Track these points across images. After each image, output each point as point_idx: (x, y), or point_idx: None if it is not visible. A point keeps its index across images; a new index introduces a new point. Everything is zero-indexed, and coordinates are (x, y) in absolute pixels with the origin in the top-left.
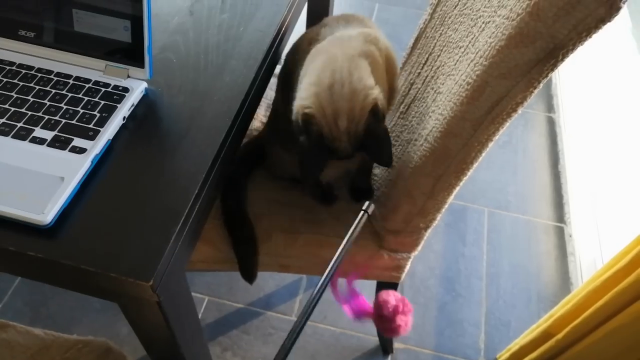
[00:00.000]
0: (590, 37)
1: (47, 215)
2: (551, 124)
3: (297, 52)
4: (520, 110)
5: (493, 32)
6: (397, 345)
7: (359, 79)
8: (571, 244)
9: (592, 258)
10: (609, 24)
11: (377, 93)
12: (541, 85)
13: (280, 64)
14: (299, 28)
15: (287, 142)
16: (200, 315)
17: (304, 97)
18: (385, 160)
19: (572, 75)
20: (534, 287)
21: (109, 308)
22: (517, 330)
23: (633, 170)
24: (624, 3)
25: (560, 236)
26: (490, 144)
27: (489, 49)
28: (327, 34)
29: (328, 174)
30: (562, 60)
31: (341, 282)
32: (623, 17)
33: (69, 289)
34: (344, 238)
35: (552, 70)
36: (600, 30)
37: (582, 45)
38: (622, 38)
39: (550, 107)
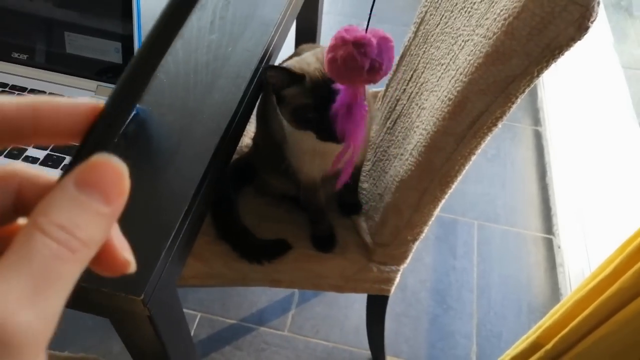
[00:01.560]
0: (562, 54)
1: None
2: (538, 137)
3: None
4: (500, 125)
5: (472, 50)
6: (389, 358)
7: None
8: (560, 255)
9: (581, 268)
10: (588, 39)
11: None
12: (519, 100)
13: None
14: (288, 47)
15: (271, 172)
16: (193, 332)
17: None
18: None
19: (558, 89)
20: (524, 298)
21: (101, 326)
22: (509, 342)
23: (619, 180)
24: (591, 23)
25: (549, 247)
26: (473, 158)
27: (469, 66)
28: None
29: (312, 172)
30: (538, 76)
31: None
32: (605, 32)
33: None
34: (332, 252)
35: (529, 85)
36: (571, 48)
37: (555, 62)
38: (604, 52)
39: (536, 120)
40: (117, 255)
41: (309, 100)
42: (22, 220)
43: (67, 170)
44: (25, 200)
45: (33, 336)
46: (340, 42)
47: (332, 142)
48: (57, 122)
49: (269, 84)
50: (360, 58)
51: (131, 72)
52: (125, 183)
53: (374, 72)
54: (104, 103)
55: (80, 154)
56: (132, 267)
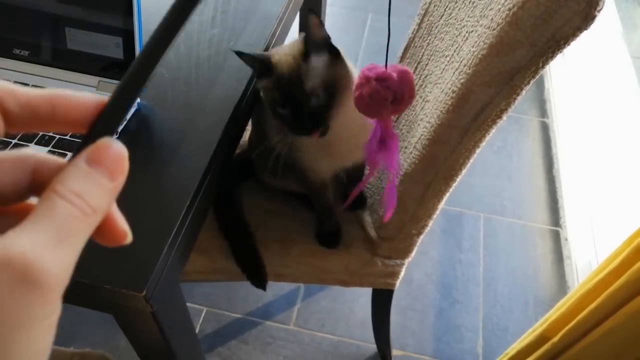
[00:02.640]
0: (568, 44)
1: None
2: (545, 129)
3: None
4: (505, 117)
5: (476, 42)
6: (395, 352)
7: None
8: (567, 248)
9: (588, 261)
10: (596, 28)
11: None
12: (524, 92)
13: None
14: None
15: (265, 171)
16: (198, 326)
17: None
18: None
19: (565, 80)
20: (531, 291)
21: (107, 320)
22: (515, 335)
23: (627, 172)
24: (598, 12)
25: (556, 240)
26: (478, 151)
27: (472, 57)
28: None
29: (322, 170)
30: (543, 67)
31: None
32: (614, 22)
33: (63, 302)
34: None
35: (534, 77)
36: (577, 38)
37: (561, 52)
38: (613, 42)
39: (543, 112)
40: (117, 226)
41: (276, 94)
42: (33, 199)
43: (77, 150)
44: (38, 180)
45: (56, 278)
46: (365, 80)
47: (304, 136)
48: (69, 113)
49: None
50: (383, 91)
51: (131, 71)
52: (126, 164)
53: (398, 103)
54: (107, 98)
55: (89, 139)
56: (129, 237)
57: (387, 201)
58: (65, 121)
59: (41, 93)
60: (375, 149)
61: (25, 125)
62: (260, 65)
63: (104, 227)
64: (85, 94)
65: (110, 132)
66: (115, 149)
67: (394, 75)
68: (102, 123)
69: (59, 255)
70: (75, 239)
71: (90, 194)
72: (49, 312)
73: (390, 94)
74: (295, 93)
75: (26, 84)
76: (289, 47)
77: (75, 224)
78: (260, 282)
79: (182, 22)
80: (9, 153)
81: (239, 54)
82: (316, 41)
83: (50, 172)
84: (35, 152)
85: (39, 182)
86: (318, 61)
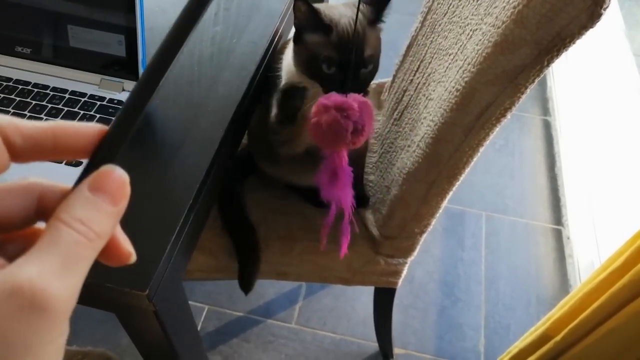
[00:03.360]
0: (573, 43)
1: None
2: (547, 127)
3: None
4: (509, 116)
5: (480, 40)
6: (397, 350)
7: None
8: (569, 246)
9: (590, 260)
10: (598, 26)
11: None
12: (528, 90)
13: None
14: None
15: (265, 160)
16: (200, 324)
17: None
18: None
19: (567, 78)
20: (533, 290)
21: (110, 318)
22: (517, 333)
23: (629, 170)
24: (604, 10)
25: (558, 238)
26: (481, 149)
27: (477, 55)
28: None
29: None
30: (548, 66)
31: None
32: (617, 19)
33: None
34: (339, 245)
35: (539, 75)
36: (583, 36)
37: (566, 50)
38: (616, 40)
39: (545, 110)
40: (120, 247)
41: (332, 54)
42: (40, 224)
43: (80, 178)
44: (44, 206)
45: (63, 303)
46: (323, 109)
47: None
48: (71, 142)
49: (295, 17)
50: (344, 121)
51: (128, 101)
52: (127, 189)
53: (357, 135)
54: (108, 127)
55: (91, 166)
56: (133, 257)
57: (341, 237)
58: (67, 150)
59: (43, 125)
60: (327, 183)
61: (29, 156)
62: (316, 20)
63: (109, 249)
64: (87, 123)
65: (111, 158)
66: (116, 175)
67: (355, 104)
68: (104, 150)
69: (66, 281)
70: (81, 264)
71: (94, 220)
72: (56, 335)
73: (350, 124)
74: (347, 48)
75: (28, 82)
76: (344, 8)
77: (81, 250)
78: (247, 286)
79: (177, 49)
80: (16, 181)
81: (303, 1)
82: (379, 11)
83: (55, 198)
84: (41, 179)
85: (44, 208)
86: (376, 30)
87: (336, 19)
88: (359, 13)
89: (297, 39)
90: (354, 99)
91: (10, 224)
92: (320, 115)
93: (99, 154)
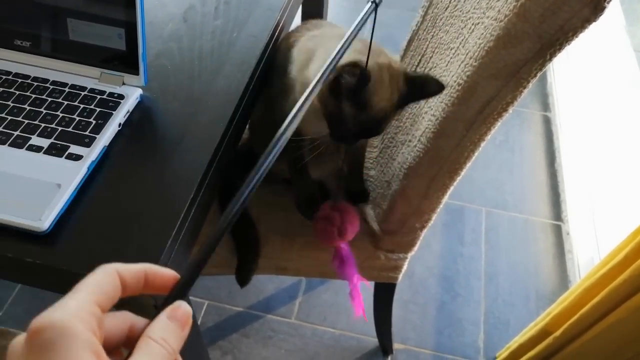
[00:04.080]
0: (576, 36)
1: (44, 221)
2: (547, 123)
3: (278, 51)
4: (511, 110)
5: (482, 34)
6: (397, 345)
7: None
8: (569, 242)
9: (590, 255)
10: (601, 21)
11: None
12: (530, 84)
13: None
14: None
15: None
16: (200, 320)
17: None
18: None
19: (567, 74)
20: (533, 286)
21: None
22: (516, 329)
23: (629, 166)
24: (608, 3)
25: (558, 234)
26: (483, 144)
27: (479, 50)
28: (311, 34)
29: (315, 172)
30: (550, 60)
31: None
32: (617, 15)
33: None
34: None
35: (541, 69)
36: (586, 30)
37: (569, 44)
38: (616, 35)
39: (545, 106)
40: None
41: (356, 129)
42: (123, 350)
43: (160, 308)
44: (132, 335)
45: None
46: (314, 220)
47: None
48: (157, 281)
49: (340, 82)
50: (329, 228)
51: (196, 257)
52: (191, 319)
53: (344, 235)
54: (179, 275)
55: (168, 299)
56: None
57: (353, 302)
58: (153, 288)
59: (140, 267)
60: (338, 265)
61: (131, 291)
62: (361, 95)
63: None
64: (166, 269)
65: (182, 296)
66: (184, 309)
67: (337, 215)
68: (176, 290)
69: None
70: None
71: (171, 340)
72: None
73: (335, 229)
74: (369, 125)
75: (27, 76)
76: (387, 74)
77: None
78: (243, 280)
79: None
80: (117, 314)
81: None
82: (412, 98)
83: (140, 327)
84: (132, 315)
85: (132, 337)
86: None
87: (377, 95)
88: (394, 79)
89: (333, 89)
90: (338, 209)
91: (110, 344)
92: (315, 223)
93: (174, 292)
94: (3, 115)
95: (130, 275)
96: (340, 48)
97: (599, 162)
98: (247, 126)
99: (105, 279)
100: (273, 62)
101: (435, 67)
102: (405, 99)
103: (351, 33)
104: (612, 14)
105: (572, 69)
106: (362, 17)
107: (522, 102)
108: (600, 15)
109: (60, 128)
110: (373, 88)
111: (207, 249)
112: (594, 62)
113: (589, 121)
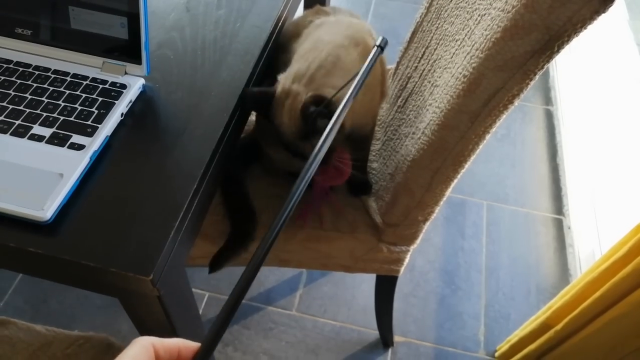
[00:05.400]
0: (585, 28)
1: (46, 211)
2: (549, 117)
3: (284, 35)
4: (516, 102)
5: (489, 25)
6: (397, 338)
7: (321, 75)
8: (570, 236)
9: (591, 249)
10: (604, 15)
11: (307, 95)
12: (537, 77)
13: None
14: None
15: (273, 145)
16: (201, 311)
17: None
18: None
19: (570, 68)
20: (533, 279)
21: (109, 305)
22: (517, 322)
23: (631, 161)
24: None
25: (559, 228)
26: (487, 137)
27: (485, 41)
28: (319, 21)
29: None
30: (558, 51)
31: None
32: (620, 9)
33: (69, 284)
34: (342, 232)
35: (548, 61)
36: (595, 22)
37: (577, 36)
38: (619, 29)
39: (548, 99)
40: None
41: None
42: None
43: None
44: None
45: None
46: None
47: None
48: (187, 358)
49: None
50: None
51: (211, 332)
52: None
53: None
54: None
55: None
56: None
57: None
58: (183, 357)
59: (173, 342)
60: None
61: None
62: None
63: None
64: (198, 345)
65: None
66: None
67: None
68: (198, 357)
69: None
70: None
71: None
72: None
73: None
74: (290, 147)
75: (29, 64)
76: (290, 101)
77: None
78: (215, 266)
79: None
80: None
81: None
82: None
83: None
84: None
85: None
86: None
87: (276, 118)
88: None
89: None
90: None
91: None
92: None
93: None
94: (4, 104)
95: (165, 350)
96: (352, 93)
97: (600, 157)
98: (255, 119)
99: (142, 354)
100: (277, 49)
101: (440, 58)
102: (307, 132)
103: (358, 81)
104: (615, 8)
105: (574, 63)
106: (370, 61)
107: (525, 95)
108: (610, 7)
109: (62, 117)
110: (274, 111)
111: (228, 312)
112: (596, 56)
113: (591, 115)
